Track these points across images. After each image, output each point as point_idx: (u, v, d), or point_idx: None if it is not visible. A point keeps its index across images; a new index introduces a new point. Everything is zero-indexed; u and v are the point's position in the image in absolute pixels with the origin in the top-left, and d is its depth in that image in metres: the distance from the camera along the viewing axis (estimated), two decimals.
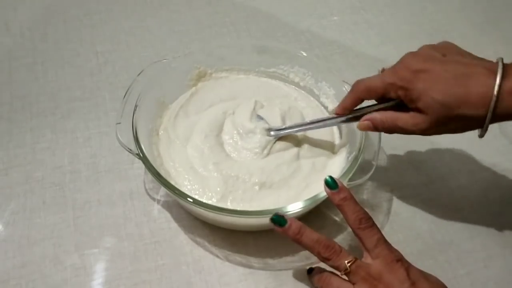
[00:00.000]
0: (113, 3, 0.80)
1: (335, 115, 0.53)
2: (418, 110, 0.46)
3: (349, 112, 0.52)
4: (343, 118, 0.53)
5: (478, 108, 0.44)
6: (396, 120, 0.48)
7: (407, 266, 0.44)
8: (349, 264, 0.44)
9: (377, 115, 0.49)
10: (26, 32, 0.75)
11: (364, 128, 0.51)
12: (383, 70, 0.50)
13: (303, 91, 0.64)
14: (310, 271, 0.50)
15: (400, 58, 0.48)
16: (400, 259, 0.45)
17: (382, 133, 0.54)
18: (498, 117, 0.44)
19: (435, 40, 0.77)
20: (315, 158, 0.57)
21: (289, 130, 0.57)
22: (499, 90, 0.42)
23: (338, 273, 0.45)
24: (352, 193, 0.47)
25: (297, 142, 0.58)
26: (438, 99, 0.44)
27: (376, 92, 0.49)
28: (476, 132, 0.65)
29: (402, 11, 0.83)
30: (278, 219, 0.46)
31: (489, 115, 0.43)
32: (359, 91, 0.50)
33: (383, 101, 0.50)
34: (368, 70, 0.72)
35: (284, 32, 0.78)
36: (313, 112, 0.62)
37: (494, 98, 0.42)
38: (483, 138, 0.65)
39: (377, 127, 0.50)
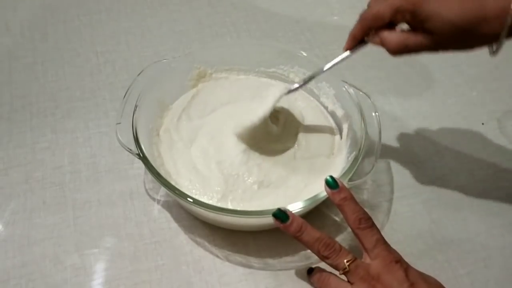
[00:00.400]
0: (113, 3, 0.80)
1: (345, 52, 0.52)
2: (428, 31, 0.43)
3: (358, 41, 0.50)
4: (353, 49, 0.51)
5: (493, 26, 0.41)
6: (406, 40, 0.45)
7: (406, 267, 0.44)
8: (348, 264, 0.44)
9: (387, 34, 0.46)
10: (26, 32, 0.75)
11: (374, 42, 0.48)
12: None
13: (303, 91, 0.64)
14: (310, 271, 0.50)
15: None
16: (399, 260, 0.45)
17: (383, 134, 0.54)
18: None
19: None
20: (314, 158, 0.57)
21: (308, 80, 0.55)
22: None
23: (337, 272, 0.45)
24: (352, 193, 0.48)
25: (295, 141, 0.58)
26: (450, 21, 0.42)
27: (383, 19, 0.46)
28: (476, 133, 0.66)
29: None
30: (280, 214, 0.46)
31: (504, 32, 0.41)
32: (367, 20, 0.47)
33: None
34: (368, 70, 0.72)
35: (284, 32, 0.78)
36: (313, 112, 0.62)
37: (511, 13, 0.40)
38: (483, 138, 0.65)
39: (384, 44, 0.47)
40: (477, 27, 0.41)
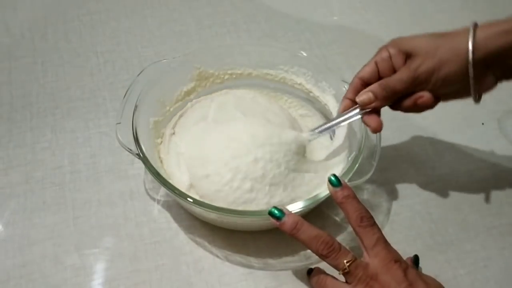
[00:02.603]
0: (113, 3, 0.80)
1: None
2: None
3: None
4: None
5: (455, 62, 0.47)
6: (390, 82, 0.49)
7: (405, 268, 0.44)
8: (348, 264, 0.44)
9: (376, 85, 0.50)
10: (26, 32, 0.75)
11: (365, 101, 0.50)
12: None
13: (303, 91, 0.64)
14: (310, 272, 0.50)
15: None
16: (398, 260, 0.45)
17: (383, 134, 0.54)
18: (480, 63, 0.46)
19: None
20: (314, 158, 0.57)
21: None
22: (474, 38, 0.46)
23: (337, 272, 0.45)
24: None
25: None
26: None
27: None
28: (476, 133, 0.66)
29: (402, 11, 0.83)
30: (275, 212, 0.46)
31: (470, 70, 0.47)
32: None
33: None
34: None
35: (284, 32, 0.78)
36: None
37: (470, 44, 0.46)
38: (483, 138, 0.65)
39: (377, 96, 0.50)
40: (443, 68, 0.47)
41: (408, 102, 0.50)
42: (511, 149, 0.65)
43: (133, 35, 0.76)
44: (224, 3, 0.82)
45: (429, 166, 0.62)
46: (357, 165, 0.51)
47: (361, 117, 0.52)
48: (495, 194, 0.60)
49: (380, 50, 0.51)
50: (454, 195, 0.60)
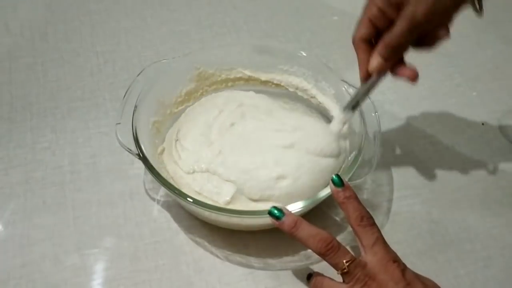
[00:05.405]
0: (113, 3, 0.80)
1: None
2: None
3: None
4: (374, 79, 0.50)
5: None
6: (392, 40, 0.46)
7: (403, 268, 0.44)
8: (347, 264, 0.44)
9: (380, 47, 0.47)
10: (26, 32, 0.75)
11: (377, 67, 0.48)
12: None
13: (301, 92, 0.64)
14: (309, 277, 0.50)
15: None
16: (396, 260, 0.45)
17: (383, 134, 0.54)
18: None
19: None
20: (315, 158, 0.57)
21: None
22: None
23: (335, 272, 0.45)
24: None
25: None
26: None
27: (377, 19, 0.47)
28: (476, 133, 0.66)
29: None
30: (275, 211, 0.46)
31: None
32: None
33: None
34: None
35: (284, 32, 0.78)
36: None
37: None
38: (483, 138, 0.65)
39: (386, 58, 0.48)
40: None
41: (429, 42, 0.48)
42: (511, 149, 0.65)
43: (133, 35, 0.76)
44: (224, 3, 0.82)
45: (429, 166, 0.62)
46: (357, 165, 0.51)
47: (390, 75, 0.49)
48: (495, 194, 0.60)
49: (368, 6, 0.48)
50: (454, 195, 0.60)
